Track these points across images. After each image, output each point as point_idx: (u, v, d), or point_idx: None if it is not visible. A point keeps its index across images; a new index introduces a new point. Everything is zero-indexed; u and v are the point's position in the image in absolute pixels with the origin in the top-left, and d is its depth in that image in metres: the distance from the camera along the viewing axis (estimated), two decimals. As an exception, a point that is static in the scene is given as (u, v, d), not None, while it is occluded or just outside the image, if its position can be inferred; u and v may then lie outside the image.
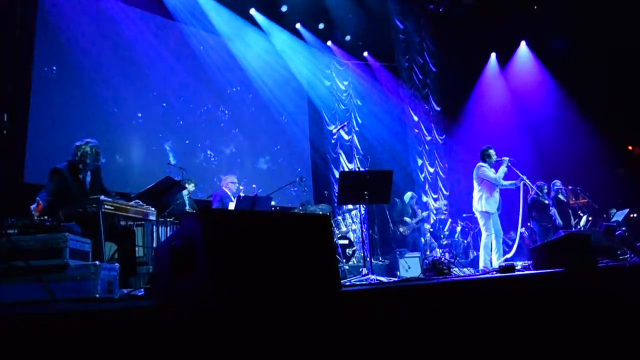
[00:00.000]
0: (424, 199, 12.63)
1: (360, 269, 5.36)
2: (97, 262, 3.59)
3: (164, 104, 8.88)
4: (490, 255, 6.95)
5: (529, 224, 8.91)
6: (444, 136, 14.01)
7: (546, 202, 8.96)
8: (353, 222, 9.36)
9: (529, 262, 5.54)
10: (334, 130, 11.31)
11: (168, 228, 6.01)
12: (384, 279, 4.93)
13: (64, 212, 4.40)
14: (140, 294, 3.59)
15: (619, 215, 9.91)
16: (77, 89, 7.59)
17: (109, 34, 8.14)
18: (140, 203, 4.87)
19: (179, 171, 6.75)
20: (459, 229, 11.19)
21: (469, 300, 2.87)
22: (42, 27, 7.33)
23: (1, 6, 6.68)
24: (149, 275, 5.12)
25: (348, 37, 12.34)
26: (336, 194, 8.27)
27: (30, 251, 3.44)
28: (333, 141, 12.01)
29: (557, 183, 9.29)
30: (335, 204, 9.78)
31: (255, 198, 6.50)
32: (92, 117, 7.65)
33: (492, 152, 7.30)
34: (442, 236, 10.80)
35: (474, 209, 7.30)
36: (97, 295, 3.40)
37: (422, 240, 10.10)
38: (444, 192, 13.32)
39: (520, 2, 11.98)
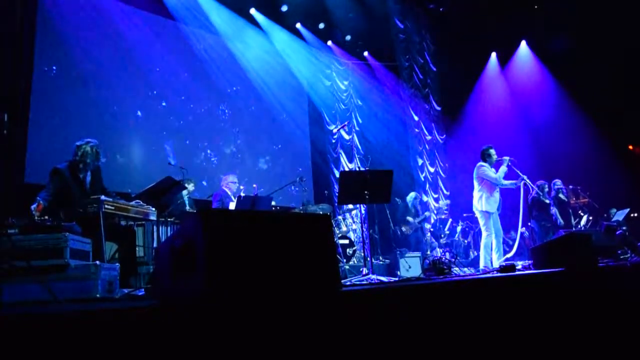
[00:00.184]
0: (425, 198, 12.62)
1: (361, 269, 5.36)
2: (98, 262, 3.60)
3: (164, 104, 8.88)
4: (491, 255, 6.95)
5: (529, 223, 8.91)
6: (444, 136, 14.01)
7: (547, 201, 8.96)
8: (353, 221, 9.37)
9: (530, 261, 5.54)
10: (335, 130, 11.31)
11: (168, 228, 6.02)
12: (384, 279, 4.92)
13: (65, 212, 4.40)
14: (140, 293, 3.60)
15: (619, 215, 9.91)
16: (77, 88, 7.59)
17: (110, 34, 8.14)
18: (141, 203, 4.87)
19: (179, 171, 6.75)
20: (459, 228, 11.19)
21: (470, 300, 2.87)
22: (43, 26, 7.33)
23: (1, 6, 6.68)
24: (149, 275, 5.14)
25: (348, 37, 12.33)
26: (336, 194, 8.29)
27: (31, 251, 3.45)
28: (333, 141, 12.02)
29: (558, 182, 9.28)
30: (336, 204, 9.78)
31: (256, 198, 6.51)
32: (92, 116, 7.65)
33: (492, 151, 7.30)
34: (442, 236, 10.80)
35: (474, 209, 7.30)
36: (98, 295, 3.41)
37: (425, 239, 10.12)
38: (445, 191, 13.32)
39: (520, 2, 11.97)
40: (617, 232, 8.73)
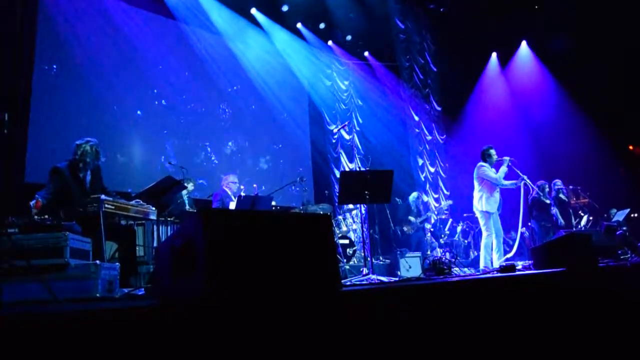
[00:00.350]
0: (425, 198, 12.62)
1: (361, 269, 5.36)
2: (98, 262, 3.60)
3: (165, 103, 8.88)
4: (491, 255, 6.94)
5: (529, 223, 8.91)
6: (444, 136, 14.00)
7: (547, 201, 8.96)
8: (354, 221, 9.37)
9: (530, 261, 5.54)
10: (335, 130, 11.32)
11: (168, 227, 6.01)
12: (384, 279, 4.93)
13: (65, 212, 4.40)
14: (140, 293, 3.60)
15: (619, 215, 9.91)
16: (77, 88, 7.59)
17: (110, 33, 8.14)
18: (141, 202, 4.87)
19: (179, 170, 6.75)
20: (459, 228, 11.19)
21: (470, 300, 2.87)
22: (43, 26, 7.33)
23: (1, 6, 6.68)
24: (149, 275, 5.14)
25: (349, 37, 12.33)
26: (337, 194, 8.28)
27: (31, 250, 3.45)
28: (334, 141, 12.02)
29: (558, 182, 9.28)
30: (336, 204, 9.78)
31: (256, 198, 6.51)
32: (92, 116, 7.65)
33: (492, 151, 7.30)
34: (442, 236, 10.80)
35: (474, 209, 7.30)
36: (98, 295, 3.41)
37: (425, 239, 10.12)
38: (445, 191, 13.31)
39: (520, 2, 11.97)
40: (618, 232, 8.73)
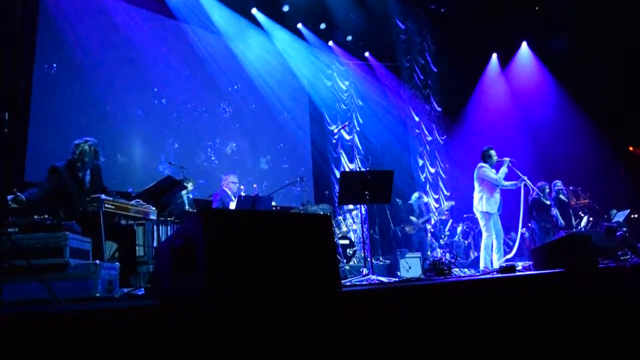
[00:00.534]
0: (425, 199, 12.62)
1: (361, 269, 5.36)
2: (98, 261, 3.59)
3: (165, 103, 8.88)
4: (491, 255, 6.94)
5: (529, 224, 8.91)
6: (445, 136, 14.00)
7: (547, 202, 8.95)
8: (354, 222, 9.37)
9: (530, 262, 5.54)
10: (335, 130, 11.32)
11: (168, 227, 6.02)
12: (384, 279, 4.93)
13: (65, 211, 4.40)
14: (140, 293, 3.60)
15: (619, 216, 9.91)
16: (77, 87, 7.59)
17: (111, 33, 8.14)
18: (141, 202, 4.86)
19: (179, 170, 6.75)
20: (459, 229, 11.18)
21: (470, 301, 2.87)
22: (43, 25, 7.33)
23: (1, 6, 6.68)
24: (149, 275, 5.14)
25: (349, 37, 12.33)
26: (337, 194, 8.27)
27: (31, 250, 3.45)
28: (334, 141, 12.01)
29: (558, 183, 9.28)
30: (336, 204, 9.78)
31: (256, 198, 6.51)
32: (92, 115, 7.65)
33: (493, 152, 7.29)
34: (442, 236, 10.80)
35: (474, 210, 7.30)
36: (98, 295, 3.41)
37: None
38: (445, 192, 13.31)
39: (521, 3, 11.97)
40: (618, 233, 8.72)
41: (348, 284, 4.56)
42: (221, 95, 9.88)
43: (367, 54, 12.90)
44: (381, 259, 9.24)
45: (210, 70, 9.63)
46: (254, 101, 10.47)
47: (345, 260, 8.33)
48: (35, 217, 3.98)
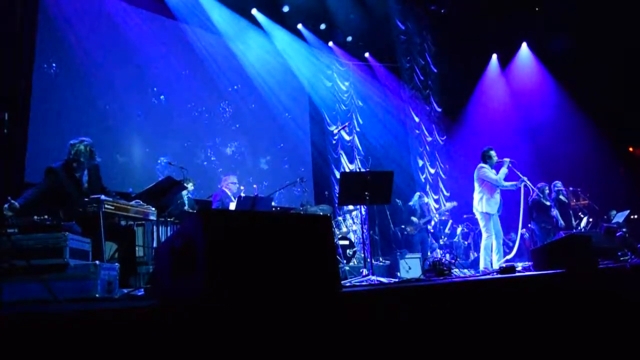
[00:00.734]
0: (425, 199, 12.62)
1: (361, 270, 5.36)
2: (97, 262, 3.59)
3: (165, 103, 8.88)
4: (491, 256, 6.94)
5: (529, 225, 8.91)
6: (445, 137, 13.99)
7: (547, 203, 8.95)
8: (354, 222, 9.37)
9: (530, 263, 5.54)
10: (335, 131, 11.31)
11: (168, 228, 6.02)
12: (384, 280, 4.93)
13: (64, 212, 4.40)
14: (140, 293, 3.60)
15: (619, 217, 9.91)
16: (77, 87, 7.60)
17: (111, 33, 8.15)
18: (141, 203, 4.86)
19: (179, 171, 6.75)
20: (459, 230, 11.18)
21: (470, 301, 2.86)
22: (43, 26, 7.33)
23: (1, 6, 6.68)
24: (149, 275, 5.13)
25: (349, 38, 12.33)
26: (337, 195, 8.27)
27: (30, 250, 3.44)
28: (334, 142, 12.01)
29: (558, 184, 9.28)
30: (336, 205, 9.77)
31: (256, 198, 6.51)
32: (92, 116, 7.65)
33: (493, 153, 7.29)
34: (442, 237, 10.80)
35: (474, 210, 7.29)
36: (97, 295, 3.40)
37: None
38: (445, 193, 13.31)
39: (521, 3, 11.97)
40: (617, 234, 8.73)
41: (348, 284, 4.56)
42: (221, 95, 9.88)
43: (367, 54, 12.90)
44: (381, 259, 9.24)
45: (210, 70, 9.63)
46: (254, 101, 10.47)
47: (345, 261, 8.33)
48: (35, 217, 3.97)
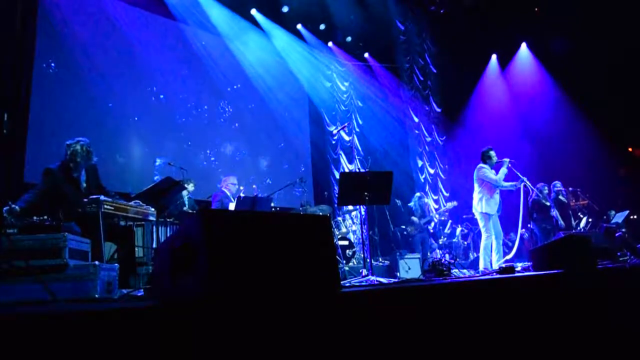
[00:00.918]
0: (425, 200, 12.61)
1: (360, 270, 5.36)
2: (97, 262, 3.59)
3: (164, 103, 8.88)
4: (491, 256, 6.95)
5: (529, 225, 8.91)
6: (444, 137, 14.00)
7: (547, 203, 8.95)
8: (353, 223, 9.36)
9: (529, 263, 5.54)
10: (335, 131, 11.31)
11: (168, 228, 6.02)
12: (384, 280, 4.92)
13: (64, 212, 4.39)
14: (139, 294, 3.59)
15: (618, 217, 9.92)
16: (77, 88, 7.60)
17: (110, 34, 8.15)
18: (140, 203, 4.86)
19: (179, 171, 6.75)
20: (459, 230, 11.18)
21: (469, 302, 2.87)
22: (43, 26, 7.34)
23: (1, 6, 6.68)
24: (148, 276, 5.13)
25: (349, 38, 12.33)
26: (336, 195, 8.28)
27: (30, 251, 3.44)
28: (333, 142, 12.02)
29: (558, 184, 9.28)
30: (336, 205, 9.77)
31: (255, 199, 6.51)
32: (91, 116, 7.65)
33: (492, 153, 7.30)
34: (442, 237, 10.80)
35: (474, 210, 7.30)
36: (97, 296, 3.40)
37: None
38: (444, 193, 13.31)
39: (521, 4, 11.98)
40: (617, 234, 8.73)
41: (347, 285, 4.55)
42: (221, 96, 9.89)
43: (366, 54, 12.91)
44: (380, 259, 9.23)
45: (210, 70, 9.64)
46: (253, 101, 10.48)
47: (344, 261, 8.33)
48: (35, 218, 3.97)
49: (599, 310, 3.72)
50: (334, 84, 12.30)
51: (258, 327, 1.83)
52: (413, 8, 12.71)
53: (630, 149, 13.12)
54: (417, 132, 13.37)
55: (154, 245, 5.70)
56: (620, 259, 6.84)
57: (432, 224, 10.54)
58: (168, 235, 5.78)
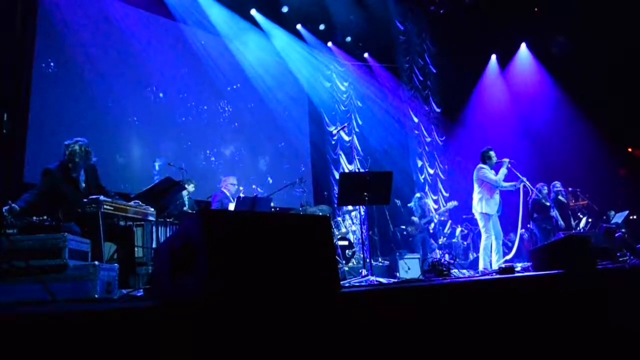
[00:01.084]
0: (424, 200, 12.60)
1: (360, 270, 5.36)
2: (96, 263, 3.58)
3: (164, 103, 8.88)
4: (490, 256, 6.95)
5: (529, 225, 8.91)
6: (444, 137, 14.00)
7: (547, 203, 8.96)
8: (353, 223, 9.36)
9: (529, 263, 5.54)
10: (334, 131, 11.31)
11: (167, 228, 6.02)
12: (383, 280, 4.92)
13: (63, 212, 4.39)
14: (139, 294, 3.59)
15: (618, 217, 9.92)
16: (77, 88, 7.60)
17: (110, 34, 8.15)
18: (140, 203, 4.86)
19: (179, 171, 6.74)
20: (458, 230, 11.18)
21: (469, 302, 2.87)
22: (43, 26, 7.33)
23: (1, 6, 6.68)
24: (148, 276, 5.13)
25: (348, 38, 12.33)
26: (336, 195, 8.27)
27: (29, 251, 3.44)
28: (333, 142, 12.01)
29: (557, 185, 9.28)
30: (335, 205, 9.77)
31: (255, 199, 6.52)
32: (91, 116, 7.65)
33: (492, 153, 7.30)
34: (442, 237, 10.80)
35: (473, 211, 7.30)
36: (96, 296, 3.40)
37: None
38: (444, 193, 13.31)
39: (521, 4, 11.98)
40: (616, 234, 8.73)
41: (347, 285, 4.55)
42: (221, 96, 9.89)
43: (366, 55, 12.90)
44: (380, 260, 9.23)
45: (210, 70, 9.64)
46: (253, 101, 10.47)
47: (344, 262, 8.33)
48: (34, 218, 3.97)
49: (598, 310, 3.72)
50: (334, 84, 12.30)
51: (258, 327, 1.83)
52: (413, 8, 12.71)
53: (630, 149, 13.13)
54: (416, 132, 13.37)
55: (154, 246, 5.70)
56: (620, 259, 6.84)
57: (432, 224, 10.55)
58: (168, 235, 5.78)
